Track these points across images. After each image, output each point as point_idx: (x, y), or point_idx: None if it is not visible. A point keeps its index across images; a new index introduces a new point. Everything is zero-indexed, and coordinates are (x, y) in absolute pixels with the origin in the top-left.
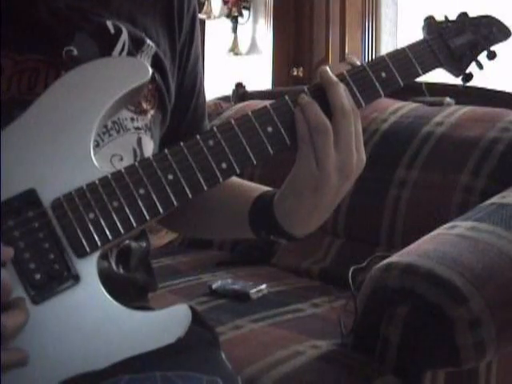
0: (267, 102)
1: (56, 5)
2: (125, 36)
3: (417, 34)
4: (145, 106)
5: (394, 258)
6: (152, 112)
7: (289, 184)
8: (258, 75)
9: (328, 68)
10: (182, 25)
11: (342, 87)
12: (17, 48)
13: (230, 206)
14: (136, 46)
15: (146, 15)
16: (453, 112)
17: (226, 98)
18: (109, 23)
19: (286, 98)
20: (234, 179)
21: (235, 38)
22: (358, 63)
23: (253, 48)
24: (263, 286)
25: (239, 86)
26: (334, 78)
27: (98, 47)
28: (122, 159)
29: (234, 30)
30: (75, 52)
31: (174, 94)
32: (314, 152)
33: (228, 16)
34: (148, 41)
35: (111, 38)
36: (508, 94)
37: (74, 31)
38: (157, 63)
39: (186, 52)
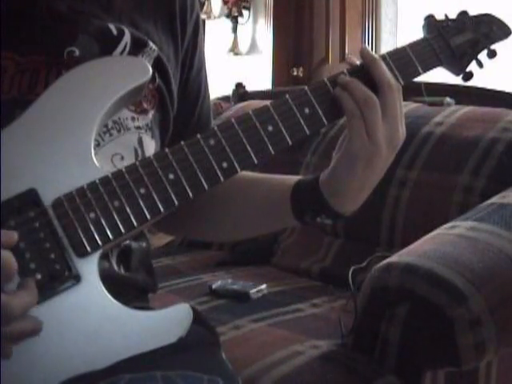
0: (267, 102)
1: (58, 8)
2: (127, 38)
3: (417, 34)
4: (145, 105)
5: (394, 257)
6: (152, 112)
7: (341, 160)
8: (258, 75)
9: (367, 47)
10: (185, 31)
11: (382, 62)
12: (19, 50)
13: (265, 198)
14: (138, 48)
15: (148, 21)
16: (453, 112)
17: (225, 98)
18: (111, 26)
19: (287, 96)
20: (256, 174)
21: (235, 38)
22: (358, 63)
23: (253, 48)
24: (263, 286)
25: (239, 86)
26: (376, 55)
27: (100, 48)
28: (122, 158)
29: (234, 30)
30: (77, 53)
31: (178, 101)
32: (365, 125)
33: (228, 16)
34: (151, 43)
35: (113, 40)
36: (508, 93)
37: (76, 32)
38: (158, 66)
39: (189, 58)
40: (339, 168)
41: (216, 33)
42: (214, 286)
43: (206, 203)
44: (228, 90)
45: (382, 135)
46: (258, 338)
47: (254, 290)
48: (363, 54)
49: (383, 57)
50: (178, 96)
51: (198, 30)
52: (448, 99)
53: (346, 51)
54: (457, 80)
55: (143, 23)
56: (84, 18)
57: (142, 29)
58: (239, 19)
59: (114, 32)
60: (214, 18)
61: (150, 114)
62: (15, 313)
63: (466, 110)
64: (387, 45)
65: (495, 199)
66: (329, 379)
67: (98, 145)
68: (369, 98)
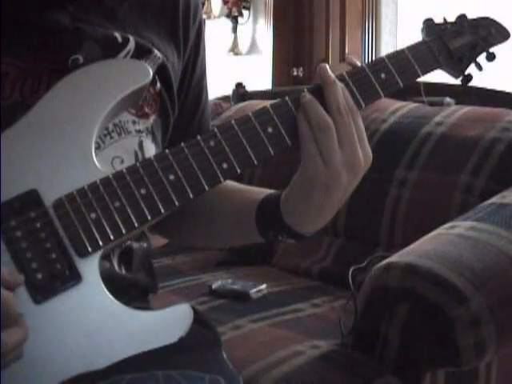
0: (267, 102)
1: (61, 19)
2: (132, 45)
3: (417, 34)
4: (146, 109)
5: (394, 257)
6: (154, 116)
7: (296, 184)
8: (258, 75)
9: (327, 66)
10: (188, 38)
11: (338, 86)
12: (22, 57)
13: (236, 211)
14: (141, 54)
15: (152, 29)
16: (453, 112)
17: (225, 98)
18: (116, 34)
19: (286, 98)
20: (236, 185)
21: (235, 38)
22: (358, 63)
23: (253, 48)
24: (263, 286)
25: (239, 86)
26: (331, 78)
27: (104, 54)
28: (123, 162)
29: (234, 30)
30: (81, 60)
31: (178, 108)
32: (319, 150)
33: (228, 16)
34: (156, 51)
35: (118, 46)
36: (508, 93)
37: (81, 41)
38: (162, 73)
39: (191, 65)
40: (294, 192)
41: (216, 33)
42: (214, 286)
43: (205, 210)
44: (228, 89)
45: (338, 160)
46: (258, 338)
47: (253, 290)
48: (320, 74)
49: (382, 59)
50: (178, 102)
51: (200, 36)
52: (448, 99)
53: (346, 51)
54: (457, 81)
55: (147, 32)
56: (89, 28)
57: (146, 38)
58: (239, 19)
59: (119, 39)
60: (214, 17)
61: (152, 118)
62: (9, 349)
63: (465, 109)
64: (387, 45)
65: (495, 199)
66: (329, 379)
67: (98, 147)
68: (321, 122)
